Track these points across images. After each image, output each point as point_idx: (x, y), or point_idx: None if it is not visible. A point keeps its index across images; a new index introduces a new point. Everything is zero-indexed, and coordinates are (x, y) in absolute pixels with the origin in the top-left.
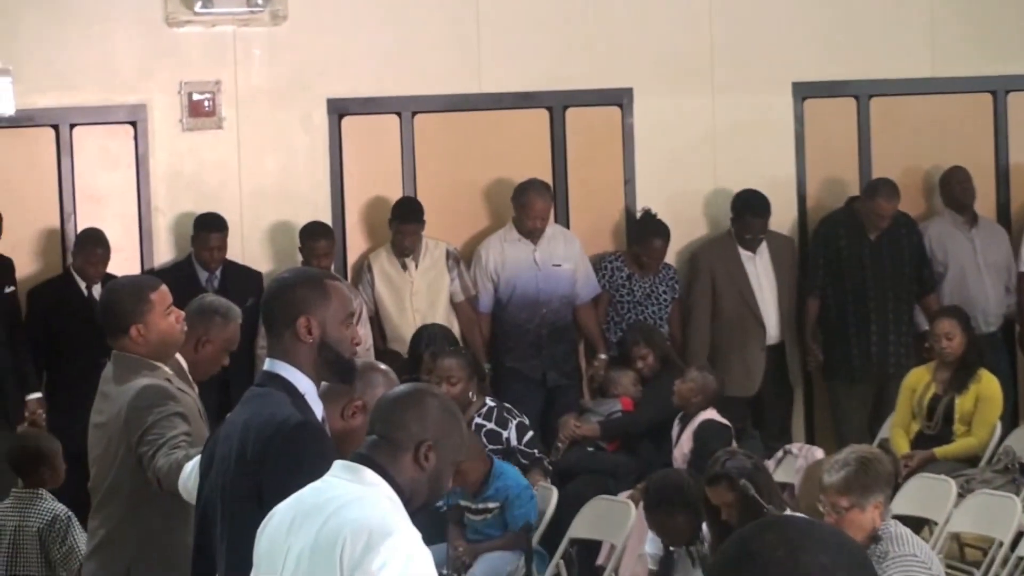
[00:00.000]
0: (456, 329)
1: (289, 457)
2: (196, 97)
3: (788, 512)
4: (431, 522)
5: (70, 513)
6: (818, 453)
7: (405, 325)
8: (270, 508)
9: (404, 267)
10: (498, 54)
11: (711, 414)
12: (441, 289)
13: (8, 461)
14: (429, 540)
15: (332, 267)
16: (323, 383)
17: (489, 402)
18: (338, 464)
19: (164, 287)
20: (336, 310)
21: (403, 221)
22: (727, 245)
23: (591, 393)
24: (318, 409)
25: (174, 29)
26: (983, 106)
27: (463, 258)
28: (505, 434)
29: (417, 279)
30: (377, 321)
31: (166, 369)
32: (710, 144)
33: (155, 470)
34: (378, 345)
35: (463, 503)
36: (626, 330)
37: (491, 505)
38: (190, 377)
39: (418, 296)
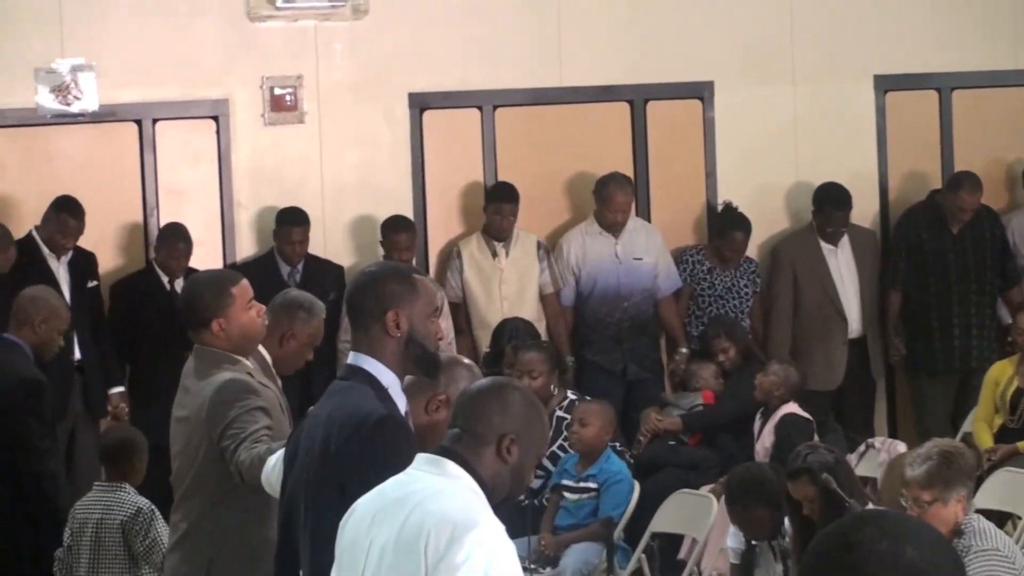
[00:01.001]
0: (543, 319)
1: (372, 451)
2: (278, 92)
3: (871, 506)
4: (514, 515)
5: (153, 507)
6: (900, 447)
7: (492, 312)
8: (352, 501)
9: (494, 254)
10: (579, 48)
11: (793, 408)
12: (531, 279)
13: (99, 453)
14: (512, 533)
15: (413, 261)
16: (407, 377)
17: (570, 395)
18: (421, 457)
19: (245, 281)
20: (423, 305)
21: (502, 200)
22: (808, 238)
23: (672, 387)
24: (401, 403)
25: (256, 24)
26: None
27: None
28: None
29: (507, 267)
30: (464, 307)
31: (247, 363)
32: (791, 137)
33: (237, 464)
34: (462, 330)
35: (565, 482)
36: (707, 323)
37: (591, 486)
38: (273, 371)
39: (507, 284)
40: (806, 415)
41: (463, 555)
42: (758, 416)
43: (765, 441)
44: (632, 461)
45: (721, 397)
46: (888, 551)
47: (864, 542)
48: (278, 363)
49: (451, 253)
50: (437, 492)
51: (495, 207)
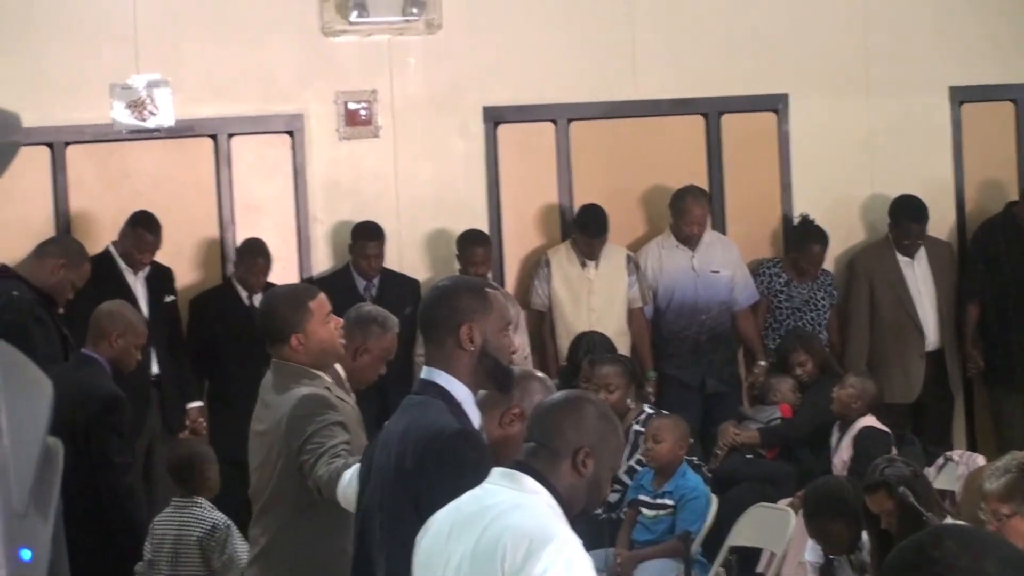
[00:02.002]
0: (626, 333)
1: (447, 465)
2: (352, 106)
3: (949, 520)
4: (591, 528)
5: (229, 522)
6: (979, 460)
7: (579, 322)
8: (428, 516)
9: (583, 265)
10: (653, 60)
11: (871, 420)
12: (619, 291)
13: (168, 470)
14: (588, 546)
15: (489, 275)
16: (481, 391)
17: (647, 409)
18: (497, 471)
19: (322, 295)
20: (496, 319)
21: (592, 235)
22: (885, 251)
23: (750, 400)
24: (475, 417)
25: (330, 39)
26: None
27: None
28: None
29: (596, 279)
30: (549, 316)
31: (326, 378)
32: (867, 149)
33: (315, 479)
34: (544, 340)
35: (642, 497)
36: (784, 336)
37: (667, 502)
38: (348, 386)
39: (596, 295)
40: (884, 428)
41: (540, 568)
42: (835, 429)
43: (843, 454)
44: (710, 475)
45: (798, 411)
46: (967, 567)
47: (944, 557)
48: (352, 377)
49: (539, 261)
50: (513, 506)
51: (586, 240)
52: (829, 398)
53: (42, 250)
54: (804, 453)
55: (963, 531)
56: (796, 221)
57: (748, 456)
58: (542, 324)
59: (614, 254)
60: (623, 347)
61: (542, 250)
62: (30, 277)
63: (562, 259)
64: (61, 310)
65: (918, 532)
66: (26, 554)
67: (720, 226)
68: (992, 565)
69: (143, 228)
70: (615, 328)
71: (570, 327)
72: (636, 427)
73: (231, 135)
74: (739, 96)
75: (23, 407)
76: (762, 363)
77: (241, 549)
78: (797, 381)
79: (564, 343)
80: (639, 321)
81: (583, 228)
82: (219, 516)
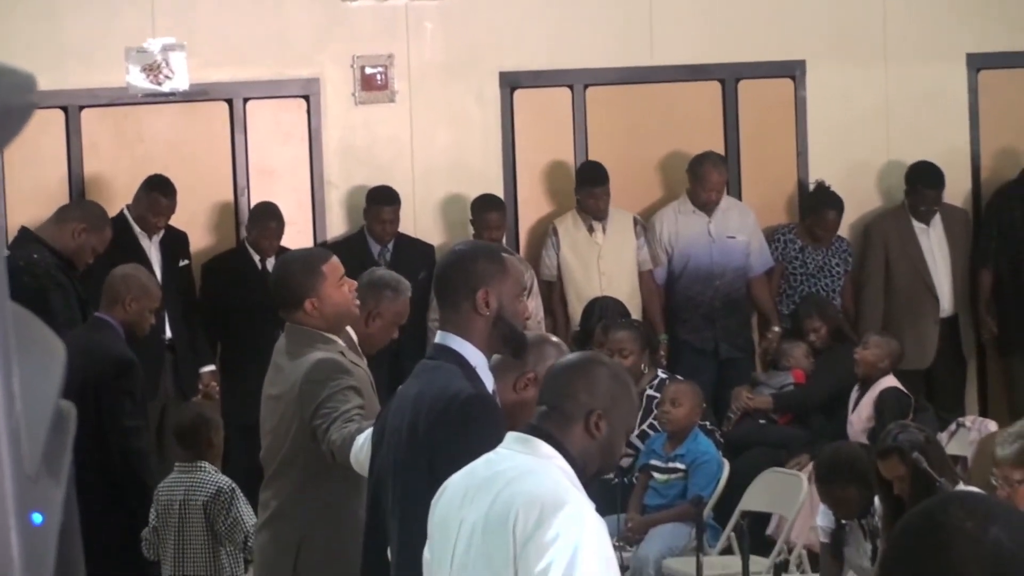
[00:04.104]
0: (638, 297)
1: (461, 430)
2: (368, 71)
3: (960, 485)
4: (603, 493)
5: (234, 485)
6: (992, 426)
7: (591, 288)
8: (441, 481)
9: (591, 230)
10: (670, 26)
11: (893, 381)
12: (629, 255)
13: (173, 434)
14: (600, 512)
15: (504, 240)
16: (494, 356)
17: (660, 374)
18: (511, 436)
19: (335, 259)
20: (512, 284)
21: (593, 184)
22: (900, 217)
23: (763, 366)
24: (489, 382)
25: (347, 3)
26: None
27: None
28: None
29: (604, 243)
30: (559, 285)
31: (340, 342)
32: (883, 116)
33: (329, 443)
34: (554, 309)
35: (653, 462)
36: (799, 302)
37: (679, 466)
38: (360, 350)
39: (605, 260)
40: (905, 390)
41: (552, 534)
42: (855, 389)
43: (862, 413)
44: (722, 440)
45: (812, 377)
46: (974, 531)
47: (950, 522)
48: (364, 342)
49: (547, 230)
50: (526, 471)
51: (587, 191)
52: (842, 364)
53: (63, 214)
54: (817, 418)
55: (970, 497)
56: (812, 187)
57: (760, 421)
58: (551, 294)
59: (621, 218)
60: (634, 311)
61: (557, 215)
62: (50, 240)
63: (569, 226)
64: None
65: (929, 497)
66: (37, 518)
67: (736, 192)
68: (999, 530)
69: (158, 192)
70: (626, 291)
71: (581, 293)
72: (650, 391)
73: (246, 99)
74: (756, 62)
75: (35, 370)
76: (776, 329)
77: (246, 513)
78: (810, 347)
79: (576, 309)
80: (649, 284)
81: (583, 180)
82: (224, 479)
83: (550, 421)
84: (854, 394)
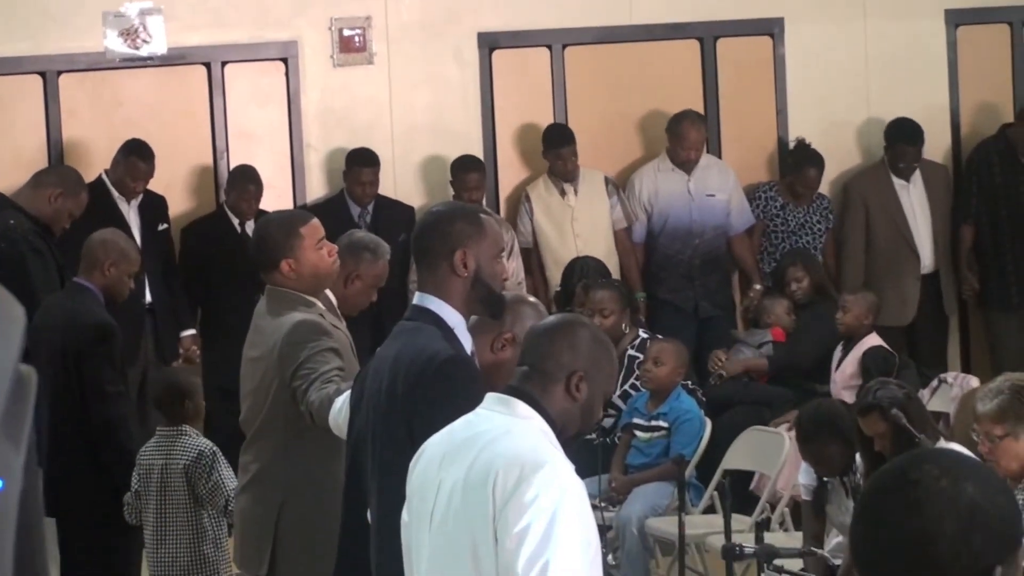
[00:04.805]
0: (614, 256)
1: (439, 391)
2: (347, 33)
3: (942, 441)
4: (585, 453)
5: (215, 448)
6: (973, 382)
7: (567, 251)
8: (420, 442)
9: (563, 193)
10: None
11: (876, 340)
12: (602, 215)
13: (151, 400)
14: (582, 471)
15: (484, 201)
16: (472, 317)
17: (642, 333)
18: (490, 397)
19: (315, 220)
20: (490, 245)
21: (559, 146)
22: (880, 174)
23: (744, 325)
24: (467, 343)
25: None
26: None
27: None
28: None
29: (577, 205)
30: (536, 251)
31: (319, 304)
32: (862, 73)
33: (308, 404)
34: (533, 273)
35: (636, 420)
36: (784, 253)
37: (662, 424)
38: (339, 312)
39: (579, 222)
40: (889, 348)
41: (531, 494)
42: (839, 347)
43: (846, 371)
44: (704, 399)
45: (794, 336)
46: (949, 488)
47: (924, 479)
48: (342, 303)
49: (520, 198)
50: (505, 432)
51: (553, 153)
52: (826, 323)
53: (39, 179)
54: (798, 377)
55: (943, 454)
56: (792, 145)
57: (743, 379)
58: (529, 260)
59: (592, 178)
60: (612, 270)
61: (538, 174)
62: (27, 206)
63: (541, 192)
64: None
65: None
66: None
67: (716, 150)
68: (973, 487)
69: (136, 156)
70: (603, 251)
71: (558, 257)
72: (631, 351)
73: (224, 63)
74: (734, 20)
75: None
76: (757, 287)
77: (228, 476)
78: (792, 299)
79: (553, 274)
80: (624, 242)
81: (549, 143)
82: (205, 443)
83: (530, 382)
84: (837, 353)
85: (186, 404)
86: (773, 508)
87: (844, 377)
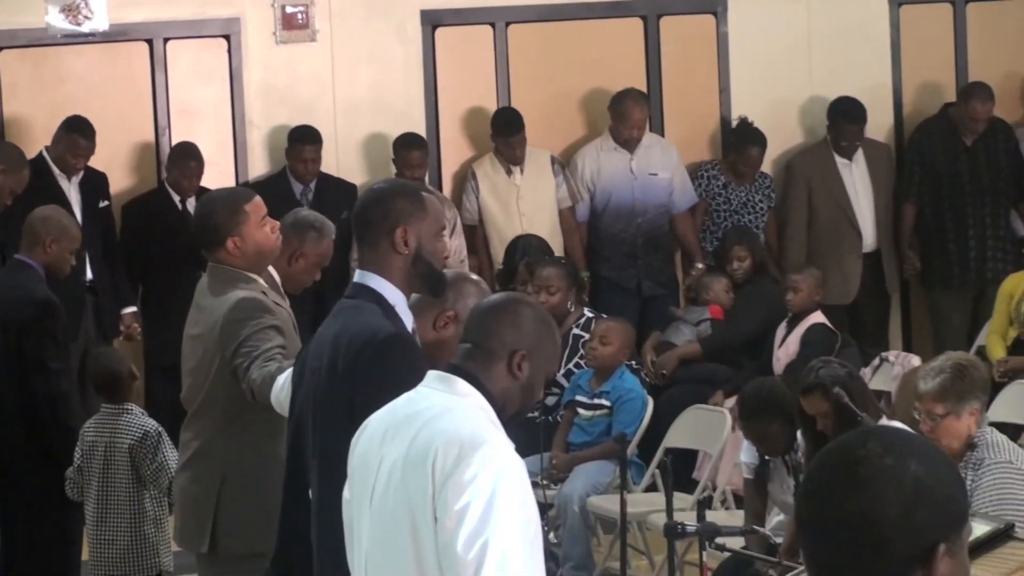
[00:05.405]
0: (559, 235)
1: (380, 368)
2: (289, 10)
3: (884, 420)
4: (526, 432)
5: (160, 429)
6: (915, 361)
7: (512, 229)
8: (361, 420)
9: (509, 172)
10: None
11: (820, 318)
12: (548, 194)
13: (90, 382)
14: (525, 450)
15: (426, 178)
16: (413, 295)
17: (587, 313)
18: (432, 374)
19: (258, 198)
20: (431, 223)
21: (509, 134)
22: (823, 153)
23: (687, 303)
24: (408, 320)
25: None
26: None
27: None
28: None
29: (523, 184)
30: (481, 229)
31: (262, 282)
32: (805, 52)
33: (249, 382)
34: (478, 251)
35: (579, 398)
36: (726, 232)
37: (604, 403)
38: (282, 290)
39: (524, 200)
40: (832, 326)
41: (471, 473)
42: (783, 324)
43: (789, 348)
44: (647, 379)
45: (732, 314)
46: (893, 465)
47: (869, 457)
48: (286, 282)
49: (466, 176)
50: (446, 410)
51: (503, 141)
52: (765, 301)
53: None
54: (739, 355)
55: (887, 432)
56: (735, 124)
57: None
58: (474, 238)
59: (538, 157)
60: (556, 249)
61: (481, 153)
62: None
63: (487, 170)
64: None
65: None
66: None
67: (658, 129)
68: (917, 465)
69: (77, 133)
70: (547, 230)
71: (503, 235)
72: (576, 330)
73: (166, 39)
74: None
75: None
76: (700, 266)
77: (172, 457)
78: (732, 279)
79: (498, 251)
80: (569, 221)
81: (499, 131)
82: (150, 423)
83: (473, 360)
84: (782, 330)
85: (123, 383)
86: (715, 487)
87: (788, 354)
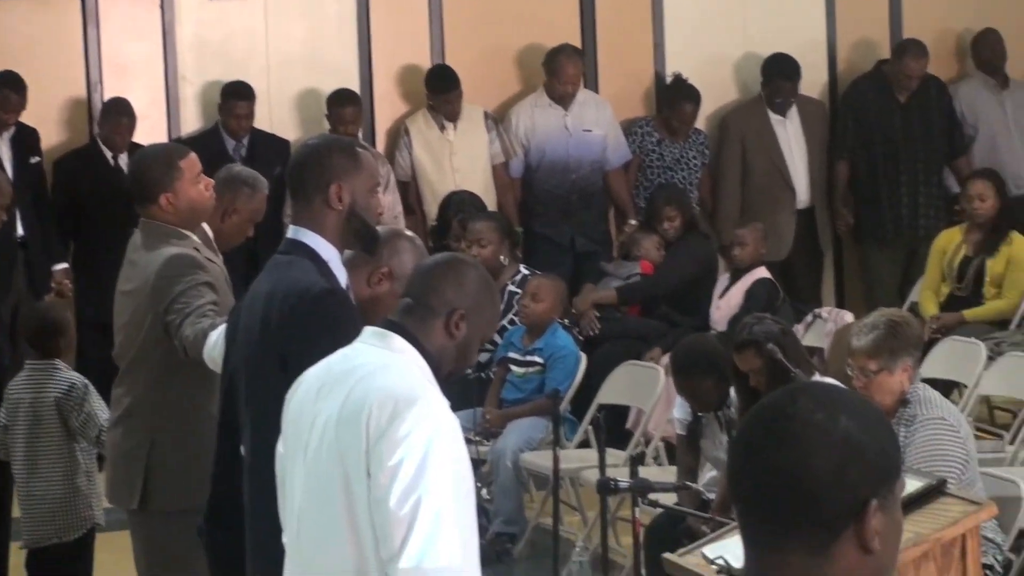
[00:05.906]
0: (492, 191)
1: (314, 324)
2: None
3: (817, 376)
4: (459, 388)
5: (86, 381)
6: (848, 317)
7: (445, 185)
8: (295, 376)
9: (442, 128)
10: None
11: (764, 273)
12: (481, 150)
13: (22, 335)
14: (458, 406)
15: (360, 134)
16: (347, 251)
17: (523, 269)
18: (368, 330)
19: (193, 155)
20: (366, 178)
21: (444, 91)
22: (757, 110)
23: (620, 259)
24: (342, 276)
25: None
26: None
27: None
28: None
29: (456, 140)
30: (415, 185)
31: (194, 238)
32: (740, 8)
33: (181, 339)
34: (412, 208)
35: (511, 355)
36: (655, 190)
37: (537, 359)
38: (215, 246)
39: (458, 156)
40: (775, 282)
41: (404, 430)
42: (726, 277)
43: (731, 300)
44: (580, 336)
45: (660, 268)
46: (824, 422)
47: (800, 413)
48: (219, 238)
49: (399, 132)
50: (381, 367)
51: (439, 98)
52: (692, 255)
53: None
54: (671, 310)
55: (818, 388)
56: (668, 80)
57: (617, 314)
58: (407, 193)
59: (472, 113)
60: (490, 205)
61: (415, 109)
62: None
63: (421, 126)
64: None
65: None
66: None
67: (593, 85)
68: (848, 420)
69: (8, 88)
70: (481, 186)
71: (436, 191)
72: (511, 287)
73: None
74: None
75: None
76: (633, 222)
77: (99, 407)
78: (662, 237)
79: (432, 208)
80: (502, 177)
81: (434, 88)
82: (76, 376)
83: (411, 316)
84: (724, 281)
85: (58, 339)
86: (648, 442)
87: (730, 306)
